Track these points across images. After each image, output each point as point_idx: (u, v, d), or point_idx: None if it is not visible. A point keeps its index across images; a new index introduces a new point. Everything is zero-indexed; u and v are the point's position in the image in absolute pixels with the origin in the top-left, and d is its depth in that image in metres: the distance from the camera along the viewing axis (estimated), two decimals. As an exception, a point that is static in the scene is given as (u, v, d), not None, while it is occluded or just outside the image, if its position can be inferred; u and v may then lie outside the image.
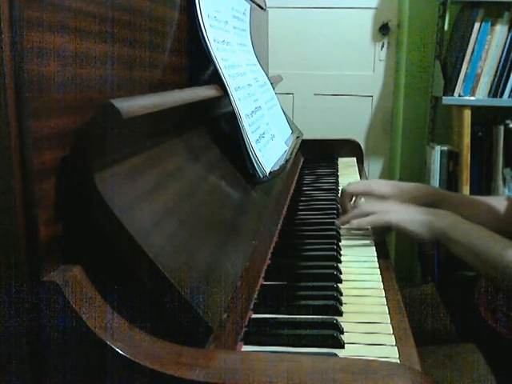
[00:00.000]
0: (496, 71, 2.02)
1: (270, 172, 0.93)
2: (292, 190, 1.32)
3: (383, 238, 0.99)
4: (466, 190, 2.05)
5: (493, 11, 2.01)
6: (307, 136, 1.62)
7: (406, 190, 1.06)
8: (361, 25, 2.40)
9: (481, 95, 2.04)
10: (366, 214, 0.95)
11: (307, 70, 2.46)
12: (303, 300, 0.73)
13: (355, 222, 0.96)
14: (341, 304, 0.72)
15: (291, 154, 1.16)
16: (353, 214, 0.98)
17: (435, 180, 2.12)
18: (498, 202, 1.06)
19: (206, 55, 0.85)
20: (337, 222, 1.01)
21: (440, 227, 0.88)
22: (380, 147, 2.50)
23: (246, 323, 0.67)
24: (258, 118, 0.99)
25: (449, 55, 2.16)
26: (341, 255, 0.90)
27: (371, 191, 1.08)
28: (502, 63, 2.01)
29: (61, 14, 0.49)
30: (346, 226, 1.00)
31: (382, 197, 1.05)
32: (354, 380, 0.46)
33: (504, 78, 2.02)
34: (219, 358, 0.50)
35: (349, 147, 1.76)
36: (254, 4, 1.34)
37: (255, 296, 0.75)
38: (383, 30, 2.39)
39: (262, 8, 1.56)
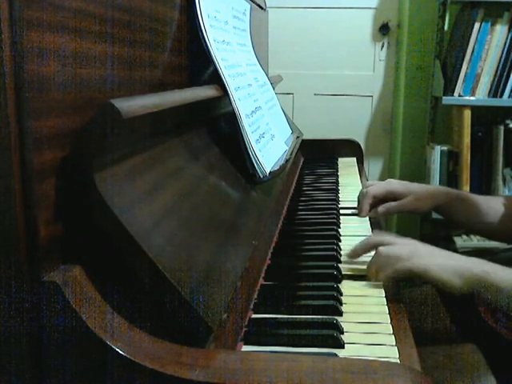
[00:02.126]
0: (496, 71, 2.02)
1: (270, 172, 0.93)
2: (292, 190, 1.32)
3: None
4: (465, 190, 2.05)
5: (493, 11, 2.02)
6: (307, 136, 1.62)
7: (420, 192, 1.06)
8: (361, 25, 2.40)
9: (481, 95, 2.04)
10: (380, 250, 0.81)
11: (307, 70, 2.46)
12: (303, 300, 0.73)
13: (374, 278, 0.80)
14: (341, 304, 0.72)
15: (291, 154, 1.16)
16: (372, 264, 0.81)
17: (435, 180, 2.12)
18: (496, 202, 1.07)
19: (206, 55, 0.85)
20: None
21: (476, 273, 0.74)
22: (380, 147, 2.50)
23: (246, 323, 0.67)
24: (258, 118, 0.99)
25: (449, 55, 2.16)
26: (341, 255, 0.90)
27: (392, 192, 1.07)
28: (502, 63, 2.01)
29: (61, 14, 0.49)
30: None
31: (402, 197, 1.05)
32: (353, 380, 0.46)
33: (504, 78, 2.02)
34: (219, 358, 0.50)
35: (349, 147, 1.76)
36: (254, 4, 1.34)
37: (255, 296, 0.74)
38: (383, 30, 2.39)
39: (262, 8, 1.56)
